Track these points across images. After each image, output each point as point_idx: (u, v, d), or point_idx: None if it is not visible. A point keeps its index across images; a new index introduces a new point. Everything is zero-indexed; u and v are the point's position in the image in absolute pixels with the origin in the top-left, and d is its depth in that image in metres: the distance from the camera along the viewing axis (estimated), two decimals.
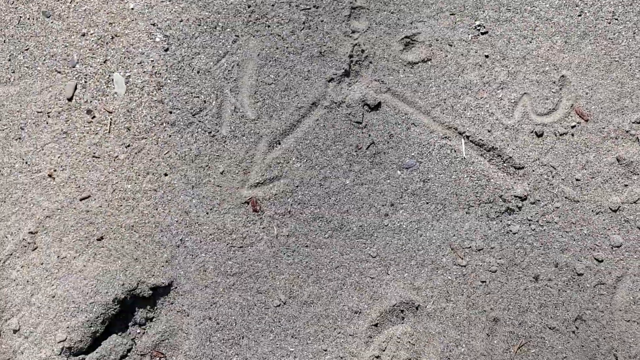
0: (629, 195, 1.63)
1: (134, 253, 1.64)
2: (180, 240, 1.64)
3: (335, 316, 1.62)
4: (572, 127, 1.66)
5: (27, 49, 1.72)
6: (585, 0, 1.71)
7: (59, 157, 1.67)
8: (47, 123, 1.69)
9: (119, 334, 1.63)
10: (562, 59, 1.69)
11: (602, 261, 1.62)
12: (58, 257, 1.63)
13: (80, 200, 1.65)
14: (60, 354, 1.58)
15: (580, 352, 1.60)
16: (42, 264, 1.63)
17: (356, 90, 1.69)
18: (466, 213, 1.64)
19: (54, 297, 1.61)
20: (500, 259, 1.63)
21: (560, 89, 1.68)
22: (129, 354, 1.62)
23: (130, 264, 1.63)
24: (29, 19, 1.73)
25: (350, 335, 1.62)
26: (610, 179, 1.64)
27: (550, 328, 1.60)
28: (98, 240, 1.64)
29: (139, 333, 1.64)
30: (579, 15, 1.70)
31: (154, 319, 1.64)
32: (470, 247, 1.63)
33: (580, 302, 1.61)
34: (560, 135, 1.66)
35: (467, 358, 1.60)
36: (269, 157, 1.67)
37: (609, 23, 1.70)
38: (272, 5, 1.72)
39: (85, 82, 1.70)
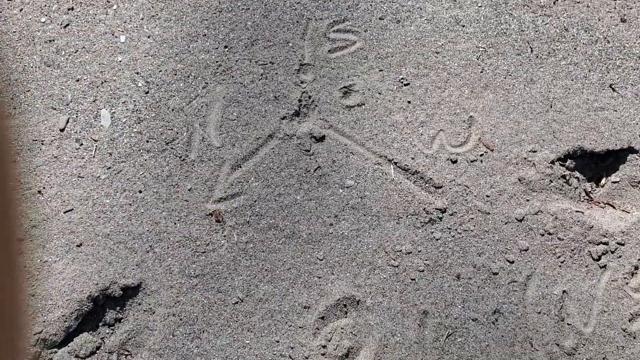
0: (531, 208, 1.97)
1: (108, 257, 1.86)
2: (150, 246, 1.88)
3: (287, 311, 1.84)
4: (480, 155, 2.03)
5: (28, 91, 2.05)
6: (485, 61, 2.16)
7: (48, 177, 1.94)
8: (40, 149, 1.97)
9: (90, 332, 1.80)
10: (470, 104, 2.10)
11: (513, 262, 1.92)
12: (40, 261, 1.84)
13: (64, 212, 1.90)
14: (35, 345, 1.73)
15: (500, 341, 1.84)
16: (24, 267, 1.83)
17: (305, 126, 2.05)
18: (397, 223, 1.94)
19: (33, 295, 1.79)
20: (426, 260, 1.91)
21: (470, 126, 2.07)
22: (97, 351, 1.78)
23: (104, 267, 1.85)
24: (32, 67, 2.08)
25: (300, 327, 1.83)
26: (514, 195, 1.99)
27: (473, 320, 1.85)
28: (77, 246, 1.86)
29: (108, 333, 1.81)
30: (481, 72, 2.15)
31: (122, 320, 1.83)
32: (401, 250, 1.91)
33: (497, 297, 1.88)
34: (471, 161, 2.02)
35: (402, 347, 1.82)
36: (231, 177, 1.97)
37: (505, 78, 2.14)
38: (236, 61, 2.11)
39: (77, 116, 2.01)
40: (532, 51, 2.19)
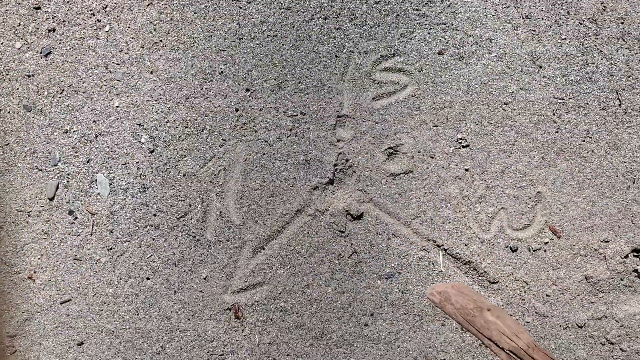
0: (594, 313, 1.72)
1: (114, 359, 1.64)
2: (161, 347, 1.65)
3: None
4: (545, 243, 1.73)
5: (7, 144, 1.68)
6: (562, 117, 1.77)
7: (39, 259, 1.65)
8: (27, 222, 1.66)
9: None
10: (539, 175, 1.76)
11: None
12: None
13: (61, 303, 1.64)
14: None
15: None
16: None
17: (339, 199, 1.72)
18: (442, 325, 1.70)
19: None
20: None
21: (535, 204, 1.75)
22: None
23: None
24: (9, 112, 1.69)
25: None
26: (578, 295, 1.73)
27: None
28: (78, 345, 1.63)
29: None
30: (556, 132, 1.77)
31: None
32: (444, 359, 1.70)
33: None
34: (534, 251, 1.73)
35: None
36: (253, 262, 1.69)
37: (584, 141, 1.77)
38: (260, 110, 1.72)
39: (68, 181, 1.67)
40: (620, 104, 1.79)
